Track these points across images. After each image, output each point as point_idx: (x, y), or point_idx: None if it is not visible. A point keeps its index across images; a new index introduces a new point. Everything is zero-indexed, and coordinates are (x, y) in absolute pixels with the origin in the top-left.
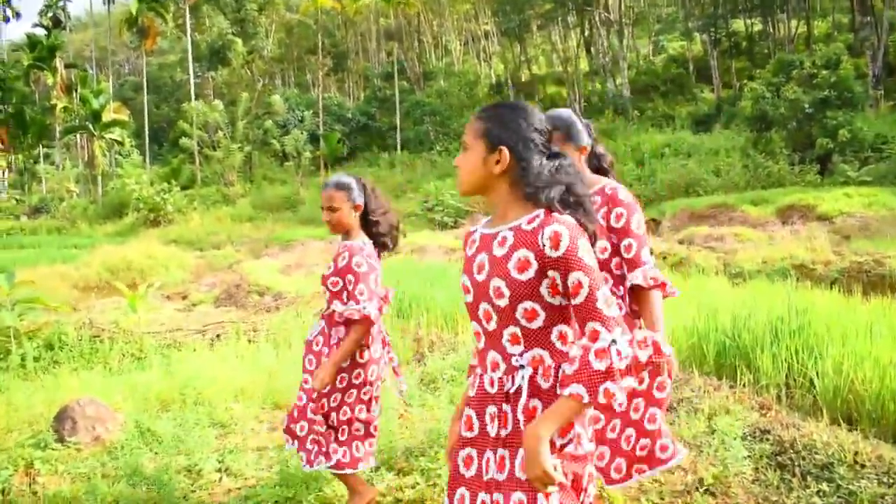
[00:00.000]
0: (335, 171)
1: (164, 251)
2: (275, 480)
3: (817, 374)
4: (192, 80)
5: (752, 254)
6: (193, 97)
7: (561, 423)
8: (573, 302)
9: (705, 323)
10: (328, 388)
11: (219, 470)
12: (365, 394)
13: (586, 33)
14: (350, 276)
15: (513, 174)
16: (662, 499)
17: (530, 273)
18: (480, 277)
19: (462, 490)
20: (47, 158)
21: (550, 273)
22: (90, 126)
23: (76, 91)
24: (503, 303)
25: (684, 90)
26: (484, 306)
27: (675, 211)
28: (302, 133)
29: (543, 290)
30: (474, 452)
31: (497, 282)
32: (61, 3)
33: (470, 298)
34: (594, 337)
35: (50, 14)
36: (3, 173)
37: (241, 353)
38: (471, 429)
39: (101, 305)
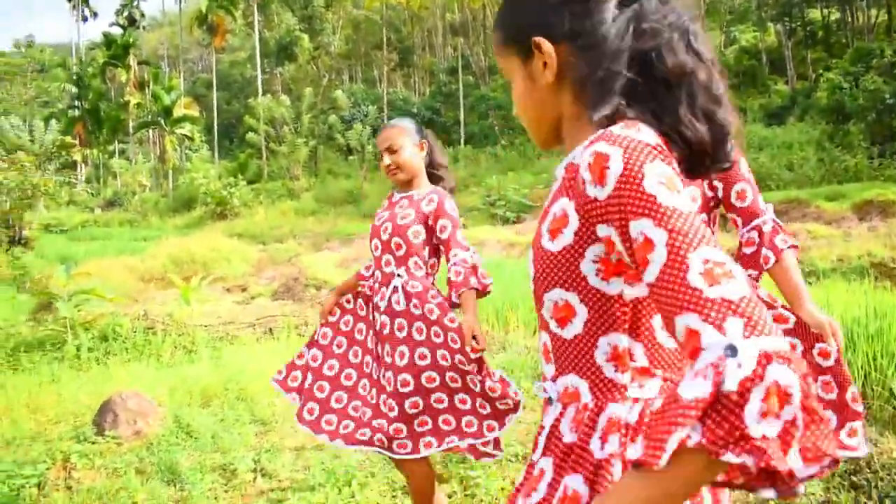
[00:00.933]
0: None
1: (227, 244)
2: (308, 484)
3: None
4: (259, 76)
5: (826, 251)
6: (261, 93)
7: None
8: (645, 280)
9: None
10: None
11: (254, 470)
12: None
13: None
14: (445, 222)
15: (576, 72)
16: None
17: (566, 237)
18: (530, 254)
19: None
20: (122, 154)
21: (601, 231)
22: (161, 122)
23: (149, 87)
24: (532, 287)
25: (757, 82)
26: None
27: None
28: (365, 127)
29: (587, 266)
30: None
31: (530, 254)
32: (136, 3)
33: (531, 283)
34: (691, 344)
35: (125, 13)
36: (80, 168)
37: (290, 347)
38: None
39: (161, 297)
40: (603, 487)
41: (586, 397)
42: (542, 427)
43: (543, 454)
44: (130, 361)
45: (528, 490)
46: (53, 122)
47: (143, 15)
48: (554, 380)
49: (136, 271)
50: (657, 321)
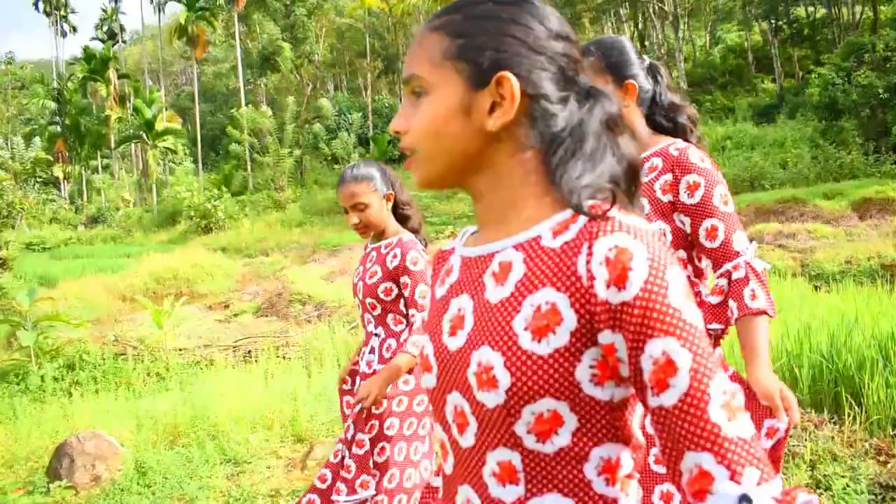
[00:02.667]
0: None
1: (210, 259)
2: None
3: None
4: (242, 87)
5: (832, 252)
6: (244, 103)
7: None
8: (656, 403)
9: (795, 340)
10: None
11: None
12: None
13: (640, 26)
14: (406, 279)
15: (523, 130)
16: None
17: (560, 338)
18: (455, 343)
19: None
20: (105, 169)
21: (604, 337)
22: (143, 135)
23: (130, 101)
24: (494, 400)
25: (743, 81)
26: (454, 399)
27: (741, 207)
28: (350, 136)
29: (583, 372)
30: None
31: (487, 355)
32: (115, 17)
33: (432, 381)
34: (699, 483)
35: (105, 27)
36: (62, 184)
37: (269, 374)
38: None
39: (141, 317)
40: None
41: None
42: None
43: None
44: (98, 392)
45: None
46: (37, 139)
47: (123, 29)
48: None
49: (116, 290)
50: (636, 418)
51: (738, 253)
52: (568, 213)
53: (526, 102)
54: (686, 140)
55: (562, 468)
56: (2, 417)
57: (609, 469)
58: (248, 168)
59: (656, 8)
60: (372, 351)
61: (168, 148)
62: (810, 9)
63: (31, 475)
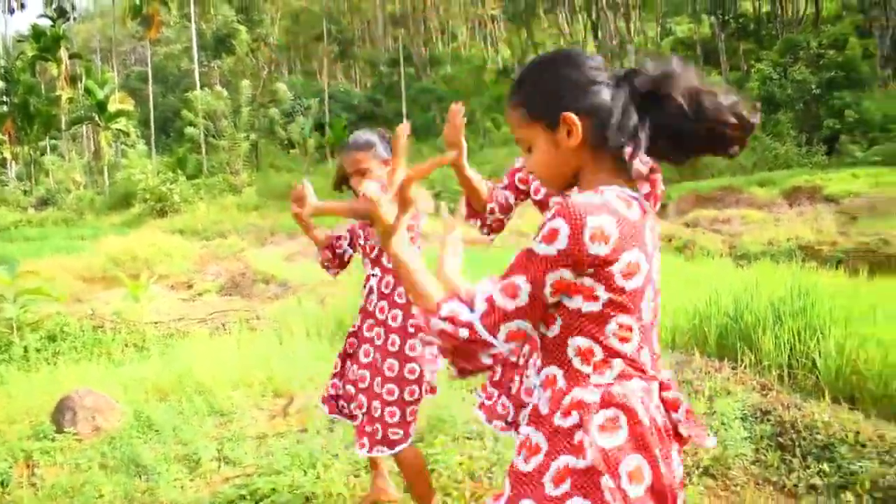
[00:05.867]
0: None
1: (168, 241)
2: (273, 468)
3: (819, 354)
4: (196, 69)
5: (758, 235)
6: (199, 86)
7: None
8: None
9: (707, 304)
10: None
11: (217, 458)
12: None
13: (593, 17)
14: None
15: (593, 136)
16: None
17: None
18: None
19: None
20: (54, 150)
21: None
22: (95, 117)
23: (81, 82)
24: None
25: None
26: None
27: (682, 194)
28: (307, 120)
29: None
30: None
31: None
32: None
33: None
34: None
35: (55, 4)
36: (10, 165)
37: (243, 341)
38: None
39: (105, 296)
40: (557, 447)
41: (561, 382)
42: (530, 405)
43: (528, 424)
44: (80, 361)
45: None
46: None
47: (73, 6)
48: (539, 371)
49: (75, 271)
50: (609, 329)
51: None
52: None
53: (587, 119)
54: None
55: (555, 349)
56: None
57: (582, 353)
58: (203, 151)
59: (609, 0)
60: (371, 291)
61: (120, 130)
62: (756, 3)
63: (35, 427)
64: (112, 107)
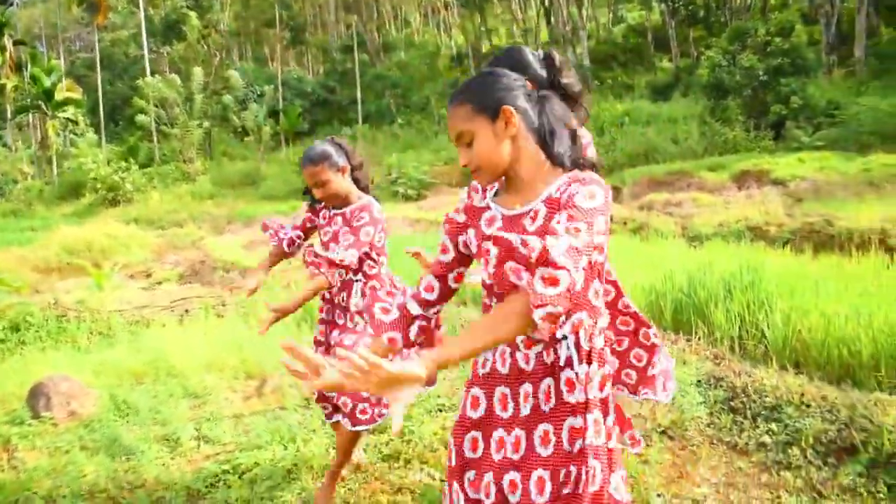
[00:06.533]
0: (296, 145)
1: (124, 230)
2: (253, 444)
3: (767, 325)
4: (146, 56)
5: (709, 218)
6: (149, 73)
7: None
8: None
9: (662, 282)
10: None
11: (196, 438)
12: None
13: (546, 3)
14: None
15: (525, 133)
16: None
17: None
18: None
19: (488, 475)
20: None
21: None
22: (42, 105)
23: (26, 69)
24: None
25: (643, 59)
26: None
27: (636, 178)
28: (261, 108)
29: None
30: (504, 433)
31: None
32: None
33: (493, 270)
34: None
35: None
36: None
37: (210, 328)
38: (505, 408)
39: (63, 286)
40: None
41: (587, 321)
42: (541, 357)
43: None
44: (46, 349)
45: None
46: None
47: None
48: (562, 325)
49: (29, 262)
50: (595, 284)
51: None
52: (562, 178)
53: (519, 117)
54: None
55: (578, 297)
56: None
57: (596, 293)
58: (155, 139)
59: None
60: (352, 294)
61: (68, 118)
62: None
63: (9, 413)
64: (59, 95)
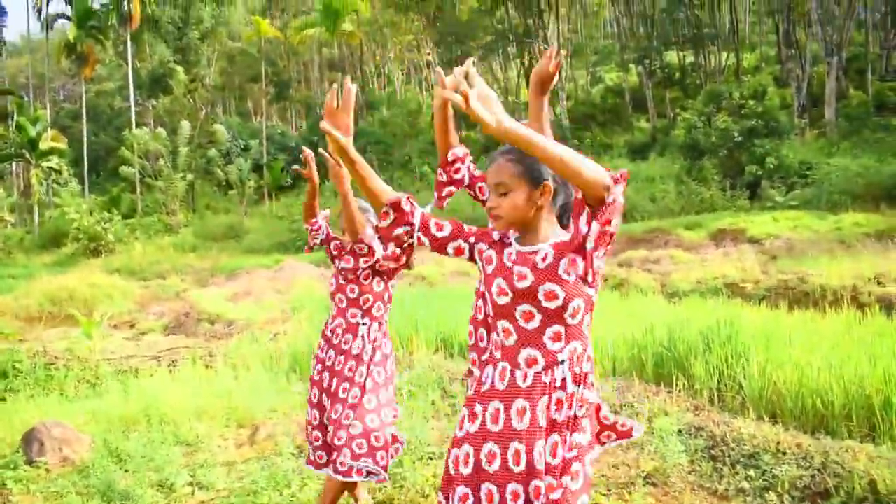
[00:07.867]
0: (279, 200)
1: (106, 280)
2: (248, 489)
3: (745, 377)
4: (132, 108)
5: (687, 274)
6: (134, 125)
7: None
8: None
9: (643, 336)
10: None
11: (191, 484)
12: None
13: (527, 64)
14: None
15: (549, 201)
16: (609, 490)
17: (578, 270)
18: (524, 284)
19: (488, 485)
20: None
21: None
22: (26, 154)
23: (12, 118)
24: (555, 304)
25: (621, 120)
26: (524, 308)
27: (615, 236)
28: (246, 162)
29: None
30: (497, 447)
31: (549, 286)
32: None
33: (506, 300)
34: None
35: None
36: None
37: (199, 377)
38: (496, 422)
39: (48, 335)
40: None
41: (580, 349)
42: (539, 377)
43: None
44: (35, 397)
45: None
46: None
47: (3, 42)
48: (562, 350)
49: (10, 310)
50: (587, 318)
51: None
52: (565, 234)
53: (551, 189)
54: None
55: (578, 329)
56: None
57: (588, 325)
58: (138, 191)
59: (542, 48)
60: (357, 338)
61: (52, 168)
62: (681, 54)
63: (3, 458)
64: (44, 144)
